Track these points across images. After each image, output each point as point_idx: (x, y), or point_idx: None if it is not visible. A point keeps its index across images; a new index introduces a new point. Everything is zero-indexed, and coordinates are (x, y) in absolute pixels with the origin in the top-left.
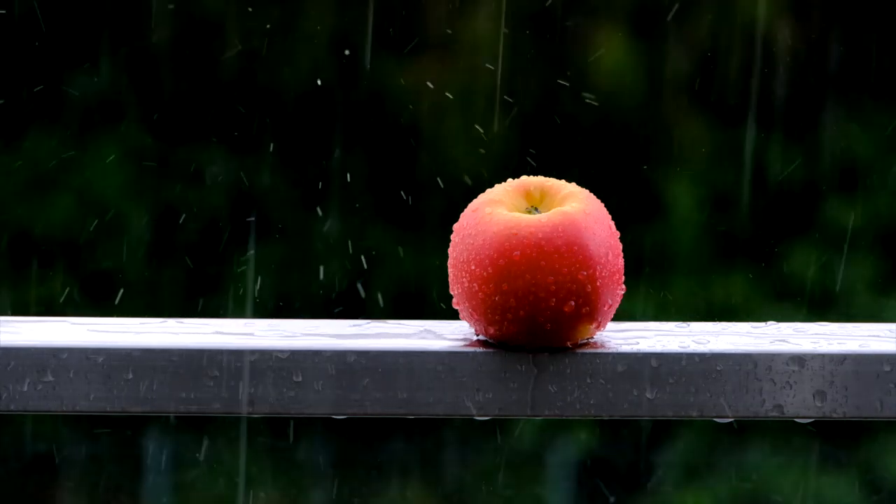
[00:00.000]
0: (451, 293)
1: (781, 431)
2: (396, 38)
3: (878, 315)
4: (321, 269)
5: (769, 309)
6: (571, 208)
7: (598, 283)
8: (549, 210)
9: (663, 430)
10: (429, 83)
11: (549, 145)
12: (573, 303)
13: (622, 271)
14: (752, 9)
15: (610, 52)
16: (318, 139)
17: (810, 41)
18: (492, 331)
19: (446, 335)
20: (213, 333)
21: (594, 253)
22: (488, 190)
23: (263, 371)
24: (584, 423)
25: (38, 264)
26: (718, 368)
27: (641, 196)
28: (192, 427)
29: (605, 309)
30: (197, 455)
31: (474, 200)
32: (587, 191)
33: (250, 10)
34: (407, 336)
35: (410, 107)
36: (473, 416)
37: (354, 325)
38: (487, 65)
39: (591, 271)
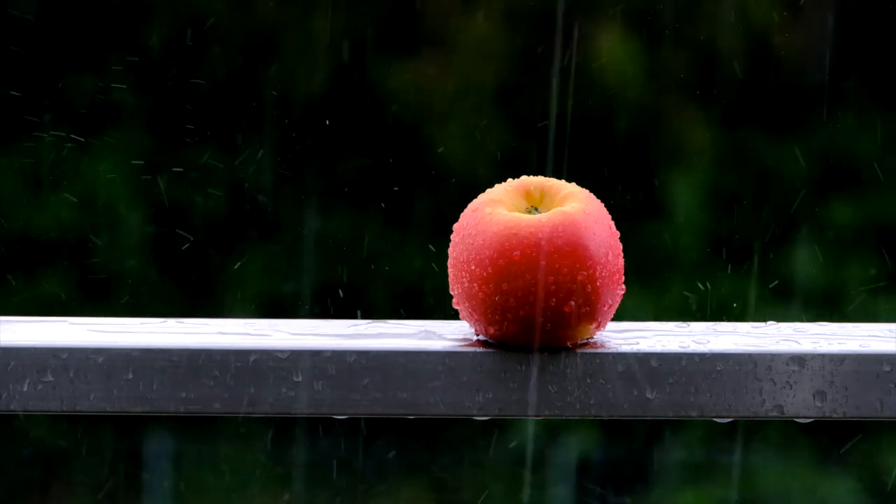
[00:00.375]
0: (451, 293)
1: (781, 431)
2: (396, 38)
3: (878, 315)
4: (321, 269)
5: (769, 309)
6: (571, 208)
7: (598, 283)
8: (549, 210)
9: (663, 430)
10: (428, 83)
11: (550, 145)
12: (573, 303)
13: (622, 271)
14: (752, 8)
15: (610, 51)
16: (317, 139)
17: (810, 40)
18: (492, 331)
19: (446, 335)
20: (213, 333)
21: (594, 253)
22: (488, 190)
23: (263, 371)
24: (584, 423)
25: (38, 264)
26: (718, 368)
27: (641, 196)
28: (193, 427)
29: (605, 309)
30: (197, 455)
31: (474, 200)
32: (587, 191)
33: (251, 10)
34: (407, 336)
35: (410, 107)
36: (473, 416)
37: (354, 325)
38: (488, 65)
39: (591, 271)
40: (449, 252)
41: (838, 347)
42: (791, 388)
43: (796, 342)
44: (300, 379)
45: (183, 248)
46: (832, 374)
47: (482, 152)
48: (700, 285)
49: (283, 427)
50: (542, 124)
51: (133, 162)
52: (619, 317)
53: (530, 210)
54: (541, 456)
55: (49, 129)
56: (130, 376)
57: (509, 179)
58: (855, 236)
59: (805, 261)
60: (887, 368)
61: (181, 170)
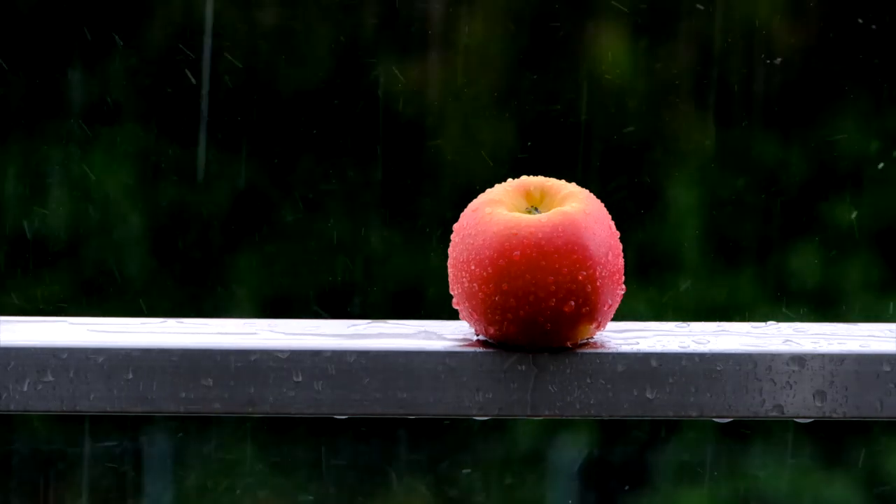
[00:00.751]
0: (451, 293)
1: (781, 431)
2: (397, 38)
3: (878, 315)
4: (321, 269)
5: (769, 309)
6: (571, 208)
7: (598, 283)
8: (549, 210)
9: (663, 430)
10: (429, 83)
11: (550, 145)
12: (573, 303)
13: (622, 271)
14: (752, 7)
15: (610, 51)
16: (318, 139)
17: (810, 40)
18: (492, 331)
19: (446, 335)
20: (213, 333)
21: (594, 253)
22: (488, 190)
23: (263, 371)
24: (584, 423)
25: (38, 264)
26: (718, 368)
27: (641, 196)
28: (193, 427)
29: (605, 309)
30: (197, 455)
31: (474, 200)
32: (587, 191)
33: (251, 9)
34: (407, 336)
35: (410, 107)
36: (473, 416)
37: (354, 325)
38: (488, 65)
39: (591, 271)
40: (449, 252)
41: (838, 347)
42: (791, 388)
43: (796, 342)
44: (300, 379)
45: (183, 247)
46: (832, 374)
47: (482, 152)
48: (700, 285)
49: (283, 427)
50: (543, 124)
51: (133, 161)
52: (619, 317)
53: (530, 210)
54: (541, 456)
55: (49, 129)
56: (130, 376)
57: (509, 179)
58: (855, 236)
59: (805, 261)
60: (887, 368)
61: (181, 169)
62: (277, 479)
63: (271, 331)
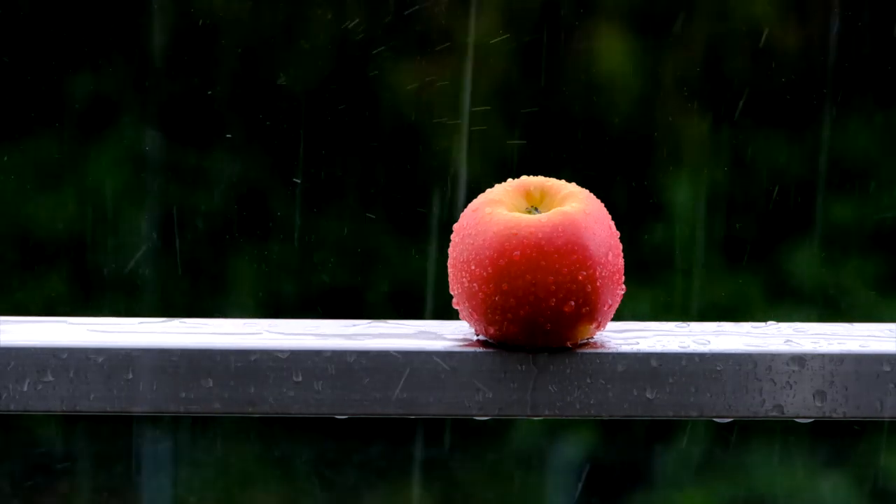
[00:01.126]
0: (451, 293)
1: (781, 431)
2: (396, 38)
3: (878, 315)
4: (321, 269)
5: (769, 309)
6: (571, 208)
7: (598, 283)
8: (549, 210)
9: (663, 430)
10: (428, 83)
11: (549, 145)
12: (573, 303)
13: (622, 271)
14: (751, 7)
15: (609, 51)
16: (318, 139)
17: (810, 39)
18: (492, 331)
19: (446, 335)
20: (214, 333)
21: (594, 253)
22: (488, 190)
23: (263, 371)
24: (584, 423)
25: (38, 264)
26: (718, 368)
27: (641, 196)
28: (193, 427)
29: (605, 309)
30: (197, 455)
31: (474, 200)
32: (587, 191)
33: (252, 9)
34: (407, 336)
35: (410, 107)
36: (473, 416)
37: (354, 325)
38: (487, 65)
39: (591, 271)
40: (449, 252)
41: (838, 347)
42: (791, 388)
43: (796, 342)
44: (300, 379)
45: (183, 247)
46: (832, 374)
47: (482, 152)
48: (700, 285)
49: (282, 427)
50: (543, 124)
51: (133, 161)
52: (619, 317)
53: (530, 210)
54: (541, 456)
55: (49, 129)
56: (130, 376)
57: (509, 179)
58: (855, 236)
59: (805, 261)
60: (887, 368)
61: (181, 169)
62: (277, 479)
63: (271, 331)
